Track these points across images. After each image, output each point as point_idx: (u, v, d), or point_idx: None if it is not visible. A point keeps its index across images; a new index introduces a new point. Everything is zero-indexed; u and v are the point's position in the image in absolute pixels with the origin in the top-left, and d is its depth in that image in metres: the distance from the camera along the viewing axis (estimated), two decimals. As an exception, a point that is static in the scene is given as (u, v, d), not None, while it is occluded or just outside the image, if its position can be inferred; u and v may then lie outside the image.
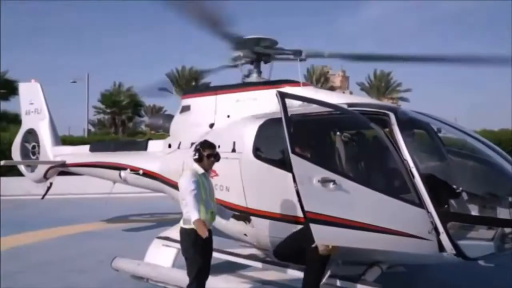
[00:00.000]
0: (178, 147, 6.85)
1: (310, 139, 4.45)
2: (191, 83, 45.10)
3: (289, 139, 3.65)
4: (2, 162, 9.80)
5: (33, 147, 10.71)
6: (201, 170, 4.30)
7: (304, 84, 5.74)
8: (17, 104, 11.61)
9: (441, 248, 3.93)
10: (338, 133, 4.65)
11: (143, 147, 8.13)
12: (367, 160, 4.67)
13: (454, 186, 4.31)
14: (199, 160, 4.31)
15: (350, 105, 4.82)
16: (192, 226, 4.12)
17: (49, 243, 8.81)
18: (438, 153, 4.81)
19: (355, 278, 4.36)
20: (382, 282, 4.44)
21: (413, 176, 3.99)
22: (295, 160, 3.60)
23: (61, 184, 12.08)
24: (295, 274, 4.80)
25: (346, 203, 3.66)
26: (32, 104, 11.15)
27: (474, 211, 4.31)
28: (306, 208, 3.58)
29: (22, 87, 11.66)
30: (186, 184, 4.17)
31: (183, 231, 4.26)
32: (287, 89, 5.47)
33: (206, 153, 4.30)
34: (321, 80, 47.95)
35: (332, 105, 4.45)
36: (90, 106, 37.02)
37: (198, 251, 4.20)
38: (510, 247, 4.06)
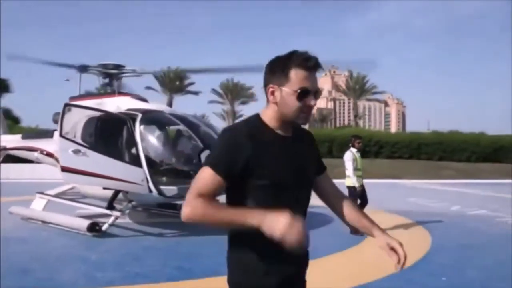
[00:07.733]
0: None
1: (81, 129, 7.66)
2: (175, 83, 48.90)
3: (60, 128, 6.86)
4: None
5: (-11, 136, 14.09)
6: None
7: (120, 94, 8.85)
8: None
9: (150, 190, 7.09)
10: (99, 124, 7.85)
11: (51, 135, 11.44)
12: (112, 140, 7.83)
13: (160, 158, 7.54)
14: None
15: (128, 109, 8.00)
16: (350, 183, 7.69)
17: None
18: (158, 137, 7.93)
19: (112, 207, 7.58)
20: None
21: (138, 150, 7.17)
22: (60, 140, 6.83)
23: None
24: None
25: (89, 162, 6.86)
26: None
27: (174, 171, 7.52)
28: (61, 164, 6.81)
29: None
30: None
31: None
32: (106, 99, 8.68)
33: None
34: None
35: (99, 110, 7.66)
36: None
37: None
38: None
